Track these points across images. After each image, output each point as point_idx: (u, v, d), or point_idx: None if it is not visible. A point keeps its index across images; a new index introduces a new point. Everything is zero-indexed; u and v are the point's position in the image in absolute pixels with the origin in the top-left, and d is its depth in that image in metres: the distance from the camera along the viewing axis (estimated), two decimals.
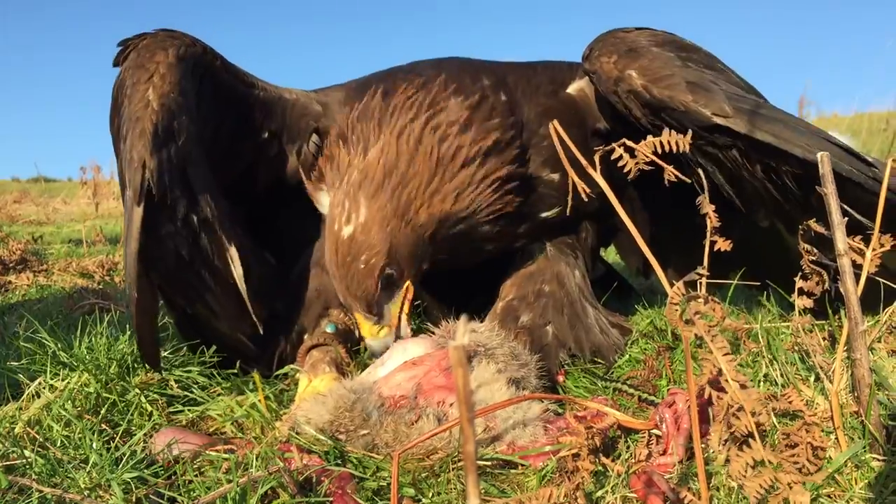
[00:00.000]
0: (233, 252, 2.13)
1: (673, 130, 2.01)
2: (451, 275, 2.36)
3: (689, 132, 1.50)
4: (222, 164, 2.27)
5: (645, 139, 2.00)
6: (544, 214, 2.31)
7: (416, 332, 2.22)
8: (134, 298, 1.91)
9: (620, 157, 1.41)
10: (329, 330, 2.29)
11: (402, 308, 2.12)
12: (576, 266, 2.42)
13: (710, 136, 1.98)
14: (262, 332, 2.26)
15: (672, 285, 1.32)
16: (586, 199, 1.55)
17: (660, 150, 1.39)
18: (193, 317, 2.22)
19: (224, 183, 2.27)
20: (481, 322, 2.23)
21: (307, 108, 2.38)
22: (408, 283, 2.09)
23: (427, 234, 2.05)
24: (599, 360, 2.37)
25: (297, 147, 2.39)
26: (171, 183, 1.93)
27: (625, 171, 1.40)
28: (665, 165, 1.39)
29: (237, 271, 2.13)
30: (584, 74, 2.28)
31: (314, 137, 2.39)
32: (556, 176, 2.27)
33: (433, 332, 2.07)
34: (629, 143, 1.38)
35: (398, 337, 2.12)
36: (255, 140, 2.33)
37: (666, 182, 1.48)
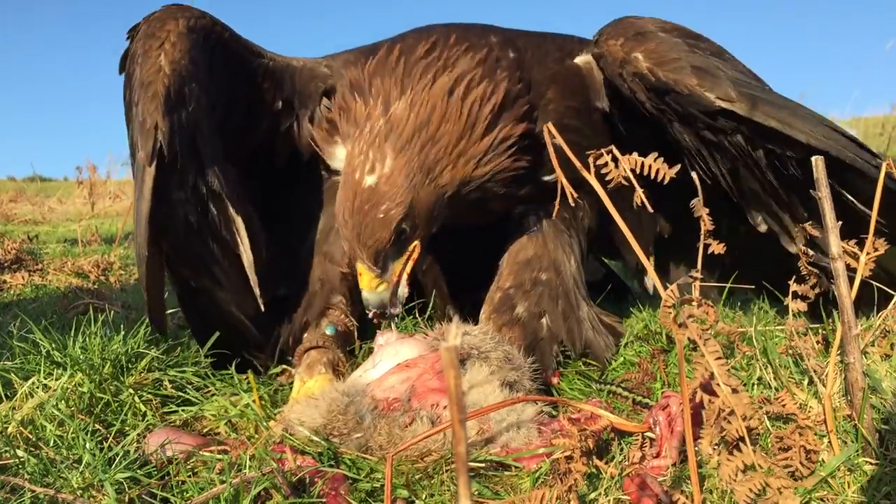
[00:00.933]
0: (239, 223, 2.15)
1: (676, 116, 2.02)
2: (450, 263, 2.37)
3: (683, 138, 1.50)
4: (241, 138, 2.30)
5: (646, 126, 2.01)
6: (546, 178, 2.30)
7: (408, 332, 2.23)
8: (144, 257, 1.94)
9: (605, 164, 1.41)
10: (329, 332, 2.29)
11: (404, 267, 2.11)
12: (572, 254, 2.42)
13: (713, 122, 1.99)
14: (263, 310, 2.26)
15: (666, 288, 1.32)
16: (573, 203, 1.55)
17: (637, 171, 1.39)
18: (198, 291, 2.24)
19: (244, 157, 2.30)
20: (477, 315, 2.23)
21: (315, 71, 2.40)
22: (416, 242, 2.09)
23: (447, 195, 2.06)
24: (590, 359, 2.38)
25: (310, 113, 2.40)
26: (181, 148, 1.96)
27: (607, 179, 1.40)
28: (638, 188, 1.38)
29: (244, 243, 2.16)
30: (592, 51, 2.30)
31: (325, 101, 2.39)
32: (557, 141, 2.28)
33: (426, 334, 2.07)
34: (615, 151, 1.38)
35: (395, 295, 2.10)
36: (269, 111, 2.34)
37: (667, 179, 1.48)
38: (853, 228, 1.69)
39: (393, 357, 1.96)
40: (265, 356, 2.37)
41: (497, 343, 1.97)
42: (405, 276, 2.12)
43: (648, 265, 1.47)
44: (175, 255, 2.14)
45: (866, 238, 1.63)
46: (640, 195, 1.37)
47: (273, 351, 2.37)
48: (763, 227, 2.24)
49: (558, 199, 1.53)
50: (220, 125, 2.18)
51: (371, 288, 2.07)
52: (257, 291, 2.23)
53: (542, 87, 2.25)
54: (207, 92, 2.10)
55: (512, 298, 2.31)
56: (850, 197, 1.89)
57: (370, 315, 2.12)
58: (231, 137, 2.24)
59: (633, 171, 1.38)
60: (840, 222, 1.54)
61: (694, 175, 1.68)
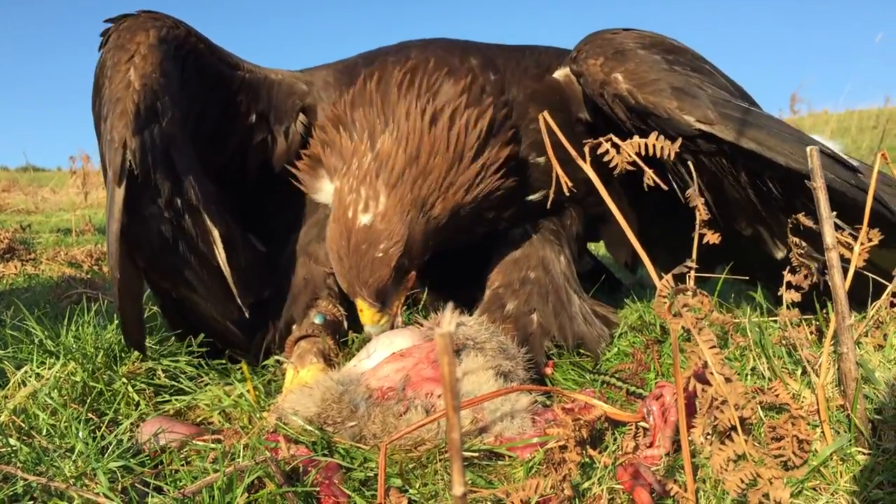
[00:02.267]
0: (216, 235, 2.12)
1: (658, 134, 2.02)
2: (440, 265, 2.36)
3: (678, 139, 1.49)
4: (210, 148, 2.25)
5: (629, 137, 2.01)
6: (530, 198, 2.31)
7: (404, 324, 2.22)
8: (116, 279, 1.90)
9: (606, 152, 1.40)
10: (317, 321, 2.29)
11: (402, 297, 2.13)
12: (561, 252, 2.42)
13: (693, 144, 1.97)
14: (248, 316, 2.25)
15: (661, 278, 1.32)
16: (569, 192, 1.54)
17: (643, 153, 1.38)
18: (179, 301, 2.21)
19: (213, 168, 2.26)
20: (470, 314, 2.23)
21: (293, 87, 2.37)
22: (413, 273, 2.10)
23: (439, 224, 2.06)
24: (584, 351, 2.38)
25: (285, 128, 2.37)
26: (154, 164, 1.92)
27: (611, 166, 1.39)
28: (646, 169, 1.38)
29: (221, 255, 2.13)
30: (571, 67, 2.27)
31: (301, 117, 2.37)
32: (542, 160, 2.26)
33: (421, 324, 2.07)
34: (616, 139, 1.38)
35: (394, 325, 2.12)
36: (242, 123, 2.31)
37: (646, 186, 1.47)
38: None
39: (387, 347, 1.96)
40: (251, 355, 2.35)
41: (492, 334, 1.97)
42: (400, 305, 2.14)
43: (643, 254, 1.47)
44: (152, 269, 2.10)
45: (860, 229, 1.63)
46: (649, 175, 1.36)
47: (258, 350, 2.35)
48: (748, 232, 2.24)
49: (553, 186, 1.52)
50: (194, 136, 2.15)
51: (374, 322, 2.09)
52: (239, 301, 2.21)
53: (524, 107, 2.23)
54: (180, 104, 2.05)
55: (501, 297, 2.31)
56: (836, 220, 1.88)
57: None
58: (202, 148, 2.20)
59: (625, 164, 1.37)
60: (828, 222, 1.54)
61: (691, 164, 1.68)
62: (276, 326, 2.36)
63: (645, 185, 1.43)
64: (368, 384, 1.85)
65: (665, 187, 1.42)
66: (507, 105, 2.17)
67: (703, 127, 1.90)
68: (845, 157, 1.95)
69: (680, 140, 1.45)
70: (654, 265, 1.34)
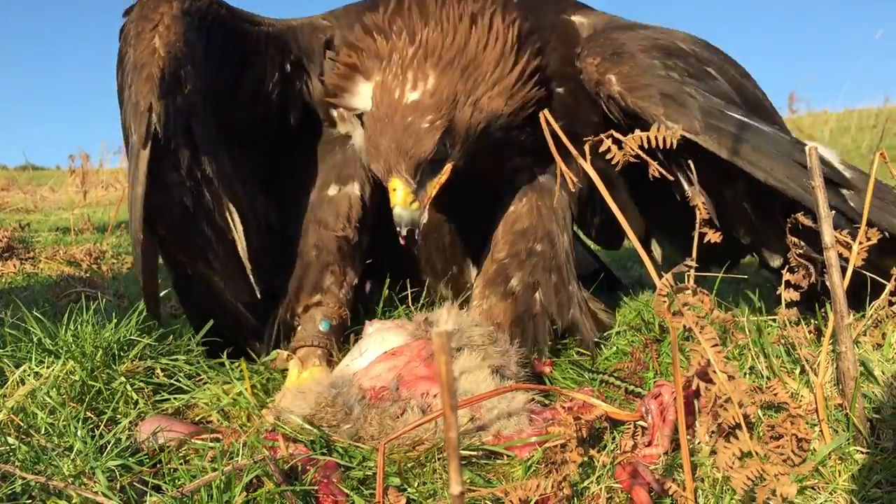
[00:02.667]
0: (233, 210, 2.15)
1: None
2: (445, 236, 2.39)
3: (678, 129, 1.49)
4: (250, 110, 2.32)
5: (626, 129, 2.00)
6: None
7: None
8: (140, 240, 1.94)
9: (609, 147, 1.40)
10: (323, 328, 2.28)
11: (434, 189, 2.11)
12: (564, 230, 2.43)
13: (679, 151, 1.99)
14: (259, 297, 2.27)
15: (661, 277, 1.32)
16: (574, 188, 1.54)
17: (646, 146, 1.38)
18: (193, 278, 2.24)
19: (249, 132, 2.33)
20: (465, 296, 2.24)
21: (315, 24, 2.41)
22: (449, 165, 2.10)
23: (480, 125, 2.09)
24: (576, 338, 2.41)
25: (319, 68, 2.41)
26: (176, 131, 1.96)
27: (613, 163, 1.39)
28: (650, 161, 1.38)
29: (238, 229, 2.16)
30: (586, 16, 2.33)
31: (328, 53, 2.40)
32: (561, 90, 2.30)
33: (412, 320, 2.08)
34: (616, 134, 1.38)
35: (422, 216, 2.10)
36: (280, 75, 2.35)
37: (651, 177, 1.47)
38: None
39: (379, 344, 1.96)
40: (261, 343, 2.37)
41: (480, 327, 1.98)
42: (429, 201, 2.12)
43: (644, 254, 1.47)
44: (171, 238, 2.13)
45: (858, 228, 1.63)
46: (654, 167, 1.36)
47: (270, 333, 2.37)
48: (747, 240, 2.25)
49: (558, 182, 1.52)
50: (223, 104, 2.19)
51: (405, 204, 2.04)
52: (252, 278, 2.23)
53: (546, 32, 2.26)
54: (203, 75, 2.09)
55: (507, 269, 2.33)
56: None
57: (401, 232, 2.07)
58: (241, 113, 2.26)
59: (625, 159, 1.37)
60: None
61: (690, 163, 1.68)
62: (287, 303, 2.37)
63: (650, 177, 1.43)
64: (361, 385, 1.85)
65: (671, 178, 1.43)
66: (531, 24, 2.21)
67: (687, 136, 1.90)
68: (840, 167, 1.95)
69: (680, 128, 1.45)
70: (654, 260, 1.33)
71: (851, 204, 1.90)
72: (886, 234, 1.77)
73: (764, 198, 2.02)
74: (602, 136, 1.37)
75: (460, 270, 2.55)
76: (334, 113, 2.41)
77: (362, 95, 2.18)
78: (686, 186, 1.95)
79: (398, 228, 2.05)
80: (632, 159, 1.39)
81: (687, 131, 1.90)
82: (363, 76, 2.16)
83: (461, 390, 1.79)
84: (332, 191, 2.42)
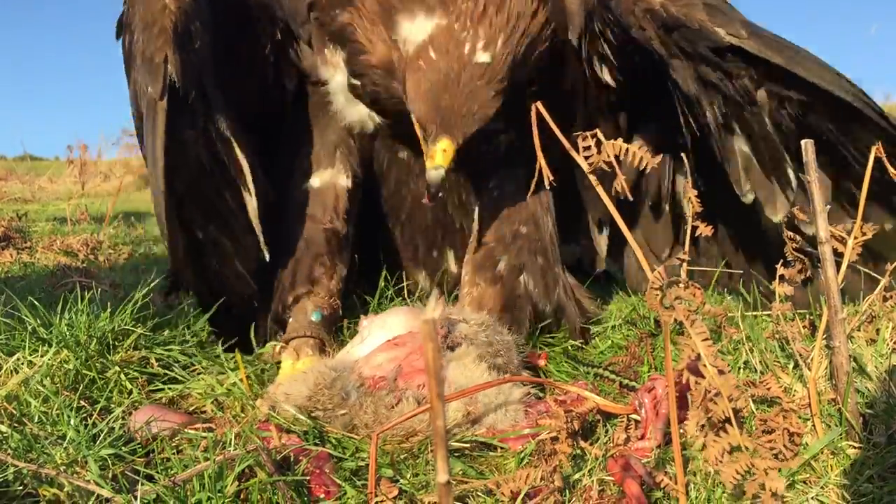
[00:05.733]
0: (245, 167, 2.16)
1: (683, 54, 2.03)
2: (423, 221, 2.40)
3: (660, 155, 1.47)
4: (249, 80, 2.34)
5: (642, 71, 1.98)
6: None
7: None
8: (162, 192, 1.92)
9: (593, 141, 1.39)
10: (315, 318, 2.28)
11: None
12: (548, 212, 2.44)
13: (721, 60, 1.99)
14: (268, 258, 2.27)
15: (653, 270, 1.32)
16: (549, 186, 1.52)
17: (621, 157, 1.37)
18: (205, 244, 2.23)
19: (248, 101, 2.32)
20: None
21: None
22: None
23: (505, 94, 2.05)
24: (562, 323, 2.42)
25: (307, 32, 2.39)
26: (191, 84, 1.96)
27: (589, 162, 1.38)
28: (619, 174, 1.36)
29: (249, 187, 2.16)
30: None
31: (313, 14, 2.37)
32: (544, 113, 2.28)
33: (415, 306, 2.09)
34: (600, 135, 1.37)
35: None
36: (272, 42, 2.35)
37: (616, 190, 1.46)
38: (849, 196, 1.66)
39: (381, 328, 1.96)
40: (261, 313, 2.39)
41: (488, 332, 1.97)
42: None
43: (636, 248, 1.46)
44: (188, 196, 2.12)
45: (854, 223, 1.63)
46: (620, 181, 1.36)
47: (264, 325, 2.37)
48: (749, 197, 2.21)
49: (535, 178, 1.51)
50: (224, 68, 2.19)
51: (446, 163, 1.99)
52: (261, 238, 2.22)
53: None
54: (211, 32, 2.09)
55: (493, 252, 2.34)
56: (852, 150, 1.88)
57: (431, 192, 2.04)
58: (240, 83, 2.26)
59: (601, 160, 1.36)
60: (829, 204, 1.54)
61: (684, 157, 1.67)
62: (280, 291, 2.38)
63: (648, 168, 1.42)
64: (361, 372, 1.85)
65: (630, 198, 1.41)
66: None
67: (733, 40, 1.91)
68: None
69: (660, 157, 1.44)
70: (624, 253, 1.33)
71: None
72: None
73: (789, 115, 2.03)
74: (587, 133, 1.35)
75: (440, 254, 2.55)
76: (318, 59, 2.39)
77: (412, 31, 2.06)
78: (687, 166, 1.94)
79: (430, 188, 2.02)
80: (604, 165, 1.37)
81: (733, 35, 1.91)
82: (406, 12, 2.07)
83: (457, 385, 1.79)
84: (318, 181, 2.42)
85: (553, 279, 2.39)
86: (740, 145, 2.16)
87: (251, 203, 2.19)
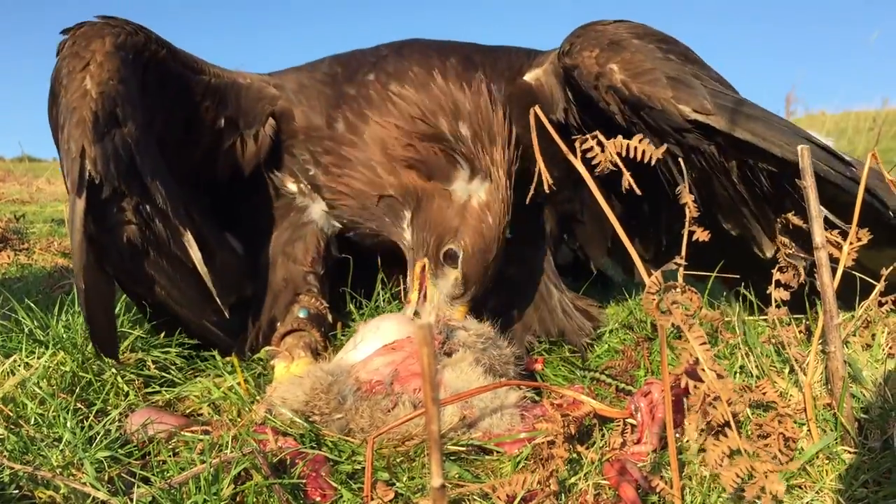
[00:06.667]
0: (189, 238, 2.07)
1: (649, 130, 2.01)
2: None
3: (663, 144, 1.48)
4: (180, 153, 2.22)
5: (614, 133, 2.01)
6: None
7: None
8: (81, 290, 1.85)
9: (591, 148, 1.40)
10: (302, 315, 2.28)
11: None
12: (539, 248, 2.44)
13: (687, 136, 1.96)
14: (228, 317, 2.22)
15: (650, 275, 1.33)
16: (549, 189, 1.53)
17: (624, 153, 1.38)
18: (155, 307, 2.17)
19: (185, 171, 2.24)
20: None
21: (262, 91, 2.33)
22: None
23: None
24: (565, 344, 2.41)
25: (255, 132, 2.32)
26: (118, 171, 1.86)
27: (594, 164, 1.39)
28: (625, 172, 1.37)
29: (196, 255, 2.08)
30: (540, 65, 2.30)
31: (270, 121, 2.33)
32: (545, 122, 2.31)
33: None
34: (601, 137, 1.37)
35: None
36: (210, 128, 2.26)
37: (624, 189, 1.46)
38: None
39: (374, 332, 1.96)
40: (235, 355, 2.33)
41: (487, 339, 1.98)
42: None
43: (634, 254, 1.47)
44: (123, 277, 2.07)
45: (849, 229, 1.63)
46: (627, 178, 1.36)
47: (242, 351, 2.32)
48: (736, 232, 2.22)
49: (533, 185, 1.52)
50: (161, 141, 2.11)
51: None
52: (219, 302, 2.16)
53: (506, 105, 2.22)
54: (142, 110, 2.00)
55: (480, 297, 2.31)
56: (823, 209, 1.88)
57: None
58: (172, 152, 2.16)
59: (608, 162, 1.37)
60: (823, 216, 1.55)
61: (681, 161, 1.67)
62: (259, 326, 2.35)
63: (623, 189, 1.43)
64: (358, 377, 1.85)
65: (639, 192, 1.41)
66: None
67: (699, 118, 1.88)
68: (840, 152, 1.95)
69: (664, 147, 1.44)
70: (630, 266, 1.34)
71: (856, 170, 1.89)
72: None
73: (760, 180, 2.01)
74: (588, 136, 1.36)
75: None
76: (289, 183, 2.39)
77: (461, 187, 2.16)
78: (679, 180, 1.94)
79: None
80: (611, 167, 1.38)
81: (699, 112, 1.88)
82: (467, 169, 2.15)
83: (453, 388, 1.79)
84: (292, 234, 2.44)
85: (548, 311, 2.40)
86: (719, 194, 2.15)
87: (202, 270, 2.11)
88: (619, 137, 1.34)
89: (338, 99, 2.23)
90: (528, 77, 2.31)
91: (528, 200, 1.67)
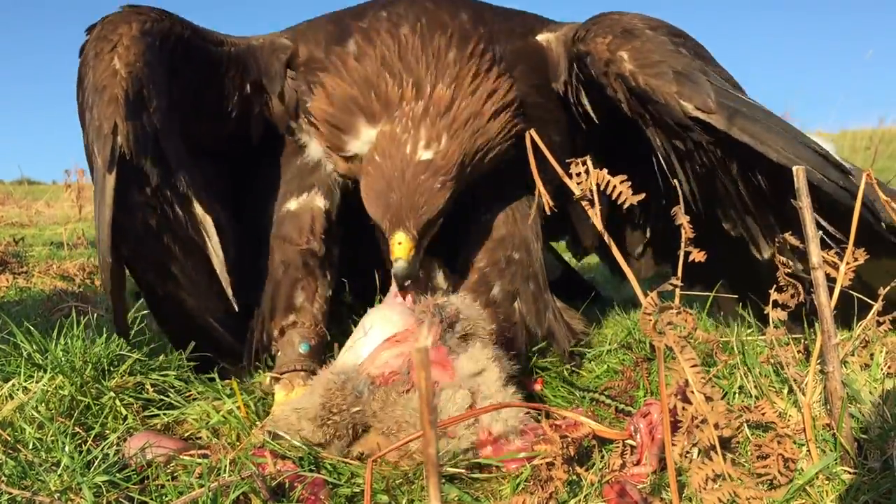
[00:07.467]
0: (208, 222, 2.13)
1: (653, 121, 2.04)
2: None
3: (642, 193, 1.50)
4: (214, 126, 2.31)
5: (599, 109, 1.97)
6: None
7: None
8: (108, 264, 1.91)
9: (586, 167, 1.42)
10: (303, 350, 2.26)
11: (427, 240, 2.16)
12: (538, 237, 2.45)
13: (689, 132, 1.99)
14: (237, 310, 2.25)
15: (646, 295, 1.33)
16: (550, 211, 1.55)
17: (602, 186, 1.40)
18: (164, 299, 2.21)
19: (214, 148, 2.32)
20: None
21: (275, 44, 2.39)
22: (440, 220, 2.16)
23: (480, 174, 2.18)
24: (552, 346, 2.43)
25: (279, 89, 2.38)
26: (145, 151, 1.94)
27: (578, 188, 1.41)
28: (597, 204, 1.40)
29: (212, 242, 2.14)
30: (553, 31, 2.34)
31: (289, 72, 2.37)
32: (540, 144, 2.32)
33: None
34: (589, 163, 1.40)
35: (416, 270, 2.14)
36: (240, 96, 2.33)
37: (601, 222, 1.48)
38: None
39: (381, 323, 2.01)
40: (240, 363, 2.36)
41: (488, 325, 2.03)
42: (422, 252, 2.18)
43: (629, 273, 1.48)
44: (135, 259, 2.11)
45: (846, 247, 1.64)
46: (596, 212, 1.39)
47: (249, 355, 2.35)
48: (734, 233, 2.23)
49: (535, 205, 1.54)
50: (187, 121, 2.17)
51: (407, 256, 2.07)
52: (229, 291, 2.20)
53: (512, 62, 2.26)
54: (168, 93, 2.07)
55: (488, 277, 2.34)
56: (818, 218, 1.90)
57: (398, 282, 2.11)
58: (206, 126, 2.24)
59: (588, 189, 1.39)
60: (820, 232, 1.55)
61: (675, 183, 1.69)
62: (262, 323, 2.36)
63: (627, 203, 1.44)
64: (369, 372, 1.87)
65: (602, 230, 1.44)
66: (499, 57, 2.22)
67: (700, 115, 1.91)
68: (839, 158, 1.95)
69: (642, 195, 1.46)
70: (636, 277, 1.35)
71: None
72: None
73: (759, 180, 2.03)
74: (578, 160, 1.38)
75: (427, 275, 2.56)
76: (293, 124, 2.41)
77: (362, 139, 2.18)
78: (681, 187, 1.96)
79: (397, 279, 2.09)
80: (592, 190, 1.41)
81: (701, 109, 1.90)
82: (365, 118, 2.16)
83: (465, 372, 1.83)
84: (294, 204, 2.41)
85: (543, 304, 2.41)
86: (718, 192, 2.17)
87: (217, 258, 2.16)
88: (603, 171, 1.37)
89: (343, 32, 2.27)
90: (540, 38, 2.35)
91: (531, 220, 1.68)
